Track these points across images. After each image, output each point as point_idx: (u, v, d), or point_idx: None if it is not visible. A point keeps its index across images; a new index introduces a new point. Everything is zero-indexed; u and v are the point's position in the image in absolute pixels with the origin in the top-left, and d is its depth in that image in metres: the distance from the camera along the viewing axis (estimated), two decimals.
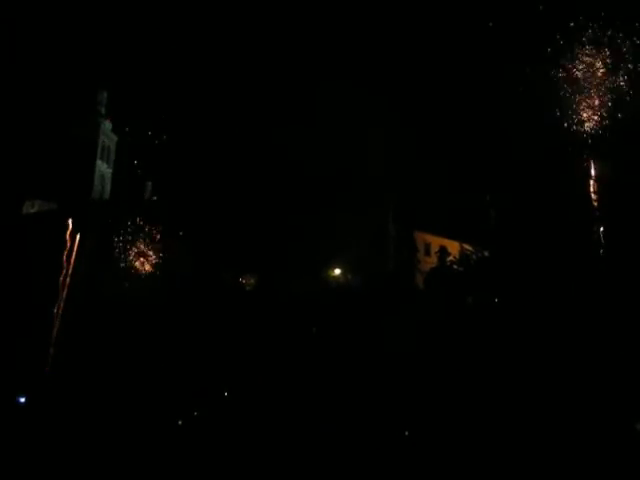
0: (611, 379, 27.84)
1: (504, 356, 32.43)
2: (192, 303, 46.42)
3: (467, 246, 44.53)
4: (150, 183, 69.08)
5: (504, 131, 35.51)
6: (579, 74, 29.97)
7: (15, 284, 51.09)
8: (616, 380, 27.74)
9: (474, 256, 42.66)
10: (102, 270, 49.99)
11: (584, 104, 30.28)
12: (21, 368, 43.52)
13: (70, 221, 48.43)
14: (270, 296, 48.32)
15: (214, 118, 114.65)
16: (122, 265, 49.66)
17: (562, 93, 30.47)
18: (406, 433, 34.11)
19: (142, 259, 49.67)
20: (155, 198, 61.82)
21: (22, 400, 42.73)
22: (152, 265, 47.97)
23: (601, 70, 29.72)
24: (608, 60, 29.77)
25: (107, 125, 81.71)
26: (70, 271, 46.47)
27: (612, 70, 29.64)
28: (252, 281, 54.05)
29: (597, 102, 30.02)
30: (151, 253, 49.18)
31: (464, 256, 44.11)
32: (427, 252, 65.16)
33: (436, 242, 64.57)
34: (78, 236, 48.01)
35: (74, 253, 47.33)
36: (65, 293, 45.70)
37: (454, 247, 52.03)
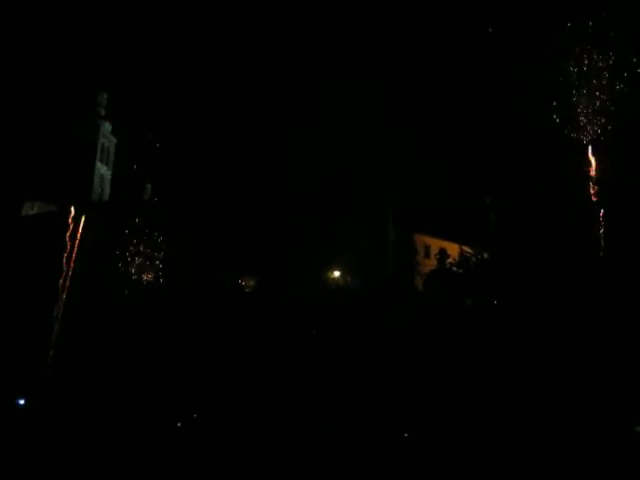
0: (611, 381, 27.86)
1: (504, 358, 32.43)
2: (192, 305, 46.43)
3: (467, 248, 44.54)
4: (150, 185, 69.09)
5: (504, 133, 35.53)
6: (579, 75, 30.02)
7: (14, 286, 51.06)
8: (616, 382, 27.76)
9: (474, 258, 42.67)
10: (102, 272, 50.03)
11: (584, 105, 30.33)
12: (21, 370, 43.48)
13: (70, 221, 48.47)
14: (270, 298, 48.33)
15: (214, 120, 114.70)
16: (122, 267, 49.71)
17: (562, 94, 30.53)
18: (406, 435, 34.11)
19: (142, 261, 49.70)
20: (155, 199, 61.75)
21: (21, 402, 42.69)
22: (152, 267, 48.03)
23: (601, 70, 29.78)
24: (608, 60, 29.83)
25: (107, 127, 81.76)
26: (70, 273, 46.48)
27: (612, 70, 29.69)
28: (252, 283, 54.08)
29: (597, 103, 30.06)
30: (151, 255, 49.22)
31: (464, 258, 44.11)
32: (427, 254, 65.18)
33: (436, 244, 64.61)
34: (78, 238, 48.04)
35: (74, 255, 47.35)
36: (65, 295, 45.72)
37: (454, 249, 52.02)
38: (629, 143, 30.14)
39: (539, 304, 32.35)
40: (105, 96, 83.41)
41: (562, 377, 29.23)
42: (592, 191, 30.75)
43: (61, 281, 46.64)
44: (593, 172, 31.04)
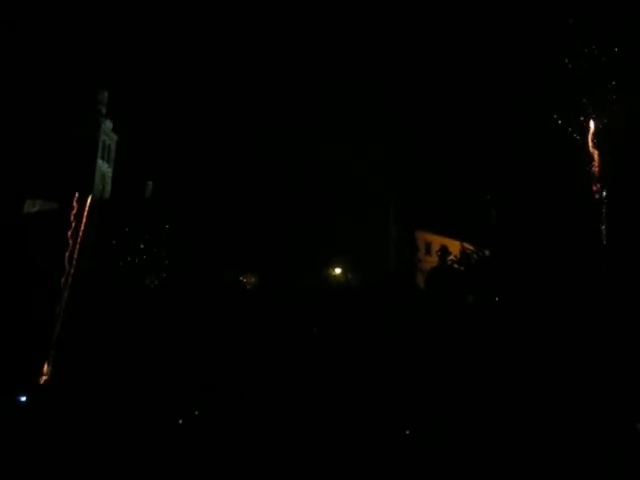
0: (612, 378, 27.83)
1: (505, 355, 32.41)
2: (193, 302, 46.46)
3: (468, 245, 44.48)
4: (151, 182, 69.17)
5: (505, 130, 35.46)
6: (581, 71, 29.97)
7: (16, 283, 51.11)
8: (617, 379, 27.73)
9: (475, 255, 42.59)
10: (103, 269, 50.10)
11: (586, 102, 30.28)
12: (22, 367, 43.57)
13: (73, 218, 48.55)
14: (270, 295, 48.36)
15: (215, 117, 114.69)
16: (123, 264, 49.78)
17: (563, 91, 30.48)
18: (407, 432, 34.12)
19: (143, 258, 49.75)
20: (156, 197, 61.85)
21: (23, 399, 42.78)
22: (153, 264, 48.08)
23: (603, 67, 29.72)
24: (610, 57, 29.77)
25: (108, 124, 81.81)
26: (72, 271, 46.56)
27: (614, 67, 29.63)
28: (253, 280, 54.10)
29: (599, 100, 30.01)
30: (152, 252, 49.28)
31: (465, 255, 44.04)
32: (428, 251, 65.21)
33: (437, 241, 64.61)
34: (80, 235, 48.11)
35: (76, 252, 47.42)
36: (67, 292, 45.80)
37: (455, 246, 51.97)
38: (631, 140, 30.09)
39: (541, 301, 32.32)
40: (106, 94, 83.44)
41: (564, 374, 29.20)
42: (594, 187, 30.71)
43: (63, 279, 46.71)
44: (595, 168, 30.99)
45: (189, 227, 56.53)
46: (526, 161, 34.01)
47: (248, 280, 54.32)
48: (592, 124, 30.77)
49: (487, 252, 41.04)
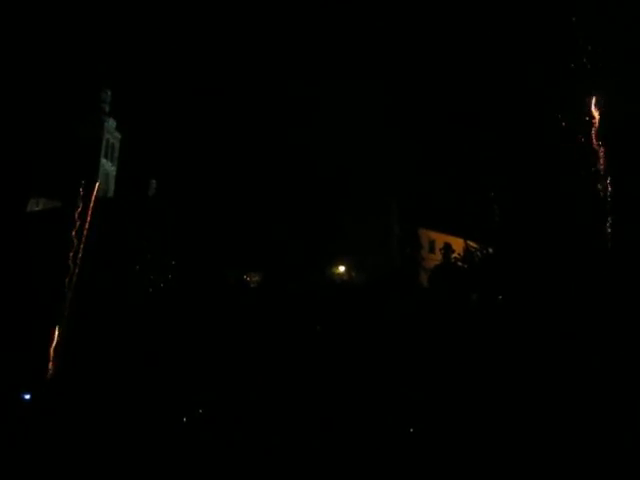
0: (616, 376, 27.78)
1: (509, 353, 32.37)
2: (197, 300, 46.49)
3: (472, 243, 44.42)
4: (154, 181, 69.25)
5: (508, 127, 35.42)
6: (583, 69, 29.92)
7: (19, 282, 51.20)
8: (620, 377, 27.68)
9: (479, 253, 42.55)
10: (107, 268, 50.14)
11: (588, 99, 30.22)
12: (26, 365, 43.64)
13: (77, 217, 48.61)
14: (274, 293, 48.36)
15: (219, 116, 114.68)
16: (127, 263, 49.83)
17: (565, 88, 30.43)
18: (411, 430, 34.09)
19: (147, 257, 49.80)
20: (160, 195, 61.91)
21: (27, 397, 42.87)
22: (156, 262, 48.11)
23: (605, 65, 29.66)
24: (612, 56, 29.72)
25: (111, 123, 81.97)
26: (76, 270, 46.61)
27: (616, 65, 29.58)
28: (256, 278, 54.14)
29: (601, 98, 29.97)
30: (155, 251, 49.31)
31: (468, 253, 44.02)
32: (431, 249, 65.12)
33: (440, 239, 64.51)
34: (84, 234, 48.17)
35: (80, 251, 47.48)
36: (71, 291, 45.85)
37: (458, 244, 51.94)
38: (634, 138, 30.04)
39: (545, 299, 32.28)
40: (109, 93, 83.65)
41: (567, 372, 29.16)
42: (598, 185, 30.65)
43: (67, 279, 46.77)
44: (598, 166, 30.93)
45: (193, 226, 56.58)
46: (529, 158, 33.99)
47: (252, 279, 54.36)
48: (596, 121, 30.71)
49: (491, 250, 40.98)
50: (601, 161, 30.84)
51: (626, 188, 30.17)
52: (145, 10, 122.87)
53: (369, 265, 53.79)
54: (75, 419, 36.73)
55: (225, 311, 45.51)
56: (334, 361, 39.36)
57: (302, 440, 32.87)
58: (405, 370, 36.98)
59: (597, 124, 30.66)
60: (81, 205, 52.03)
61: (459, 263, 45.45)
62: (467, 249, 44.55)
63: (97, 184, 72.83)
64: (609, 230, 30.12)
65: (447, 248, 57.01)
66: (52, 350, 44.28)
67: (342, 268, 54.98)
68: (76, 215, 49.73)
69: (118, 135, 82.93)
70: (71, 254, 47.81)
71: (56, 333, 45.44)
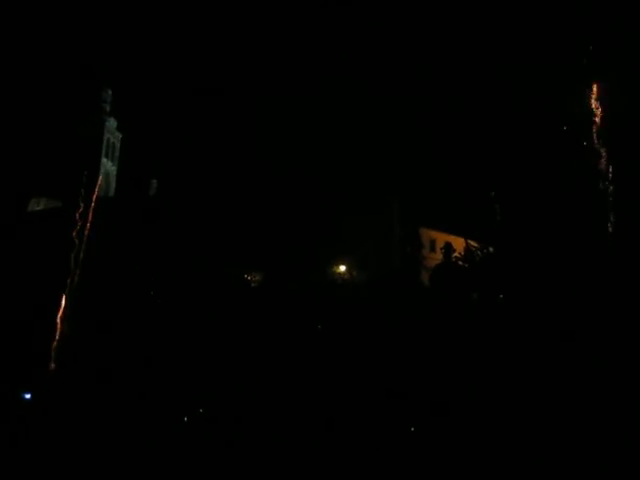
0: (616, 376, 27.76)
1: (509, 352, 32.36)
2: (197, 299, 46.47)
3: (472, 242, 44.40)
4: (155, 180, 69.27)
5: (509, 126, 35.41)
6: (584, 68, 29.90)
7: (21, 281, 51.20)
8: (621, 377, 27.66)
9: (479, 252, 42.54)
10: (108, 268, 50.12)
11: (589, 98, 30.19)
12: (27, 365, 43.64)
13: (78, 217, 48.59)
14: (275, 293, 48.34)
15: (219, 115, 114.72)
16: (128, 263, 49.81)
17: (566, 87, 30.42)
18: (412, 429, 34.08)
19: (148, 256, 49.77)
20: (161, 195, 61.95)
21: (27, 396, 42.86)
22: (157, 261, 48.06)
23: (606, 64, 29.64)
24: (613, 55, 29.70)
25: (112, 123, 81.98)
26: (77, 271, 46.57)
27: (616, 64, 29.56)
28: (257, 278, 54.11)
29: (602, 96, 29.94)
30: (156, 250, 49.28)
31: (469, 252, 44.01)
32: (432, 248, 65.13)
33: (441, 238, 64.50)
34: (86, 234, 48.15)
35: (81, 251, 47.45)
36: (72, 290, 45.81)
37: (459, 243, 51.93)
38: (635, 136, 30.03)
39: (545, 298, 32.26)
40: (110, 92, 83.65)
41: (568, 371, 29.14)
42: (599, 183, 30.63)
43: (69, 280, 46.74)
44: (599, 165, 30.91)
45: (194, 225, 56.57)
46: (530, 157, 33.98)
47: (253, 278, 54.34)
48: (597, 120, 30.69)
49: (491, 249, 40.97)
50: (602, 160, 30.82)
51: (627, 186, 30.15)
52: (146, 10, 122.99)
53: (370, 264, 53.83)
54: (76, 419, 36.75)
55: (226, 310, 45.50)
56: (335, 360, 39.35)
57: (303, 439, 32.87)
58: (406, 369, 36.98)
59: (597, 124, 30.65)
60: (82, 205, 51.98)
61: (460, 262, 45.46)
62: (468, 248, 44.54)
63: (98, 184, 72.98)
64: (610, 229, 30.10)
65: (448, 247, 57.02)
66: (53, 350, 44.24)
67: (343, 267, 54.98)
68: (77, 215, 49.69)
69: (119, 135, 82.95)
70: (72, 254, 47.78)
71: (57, 332, 45.39)
